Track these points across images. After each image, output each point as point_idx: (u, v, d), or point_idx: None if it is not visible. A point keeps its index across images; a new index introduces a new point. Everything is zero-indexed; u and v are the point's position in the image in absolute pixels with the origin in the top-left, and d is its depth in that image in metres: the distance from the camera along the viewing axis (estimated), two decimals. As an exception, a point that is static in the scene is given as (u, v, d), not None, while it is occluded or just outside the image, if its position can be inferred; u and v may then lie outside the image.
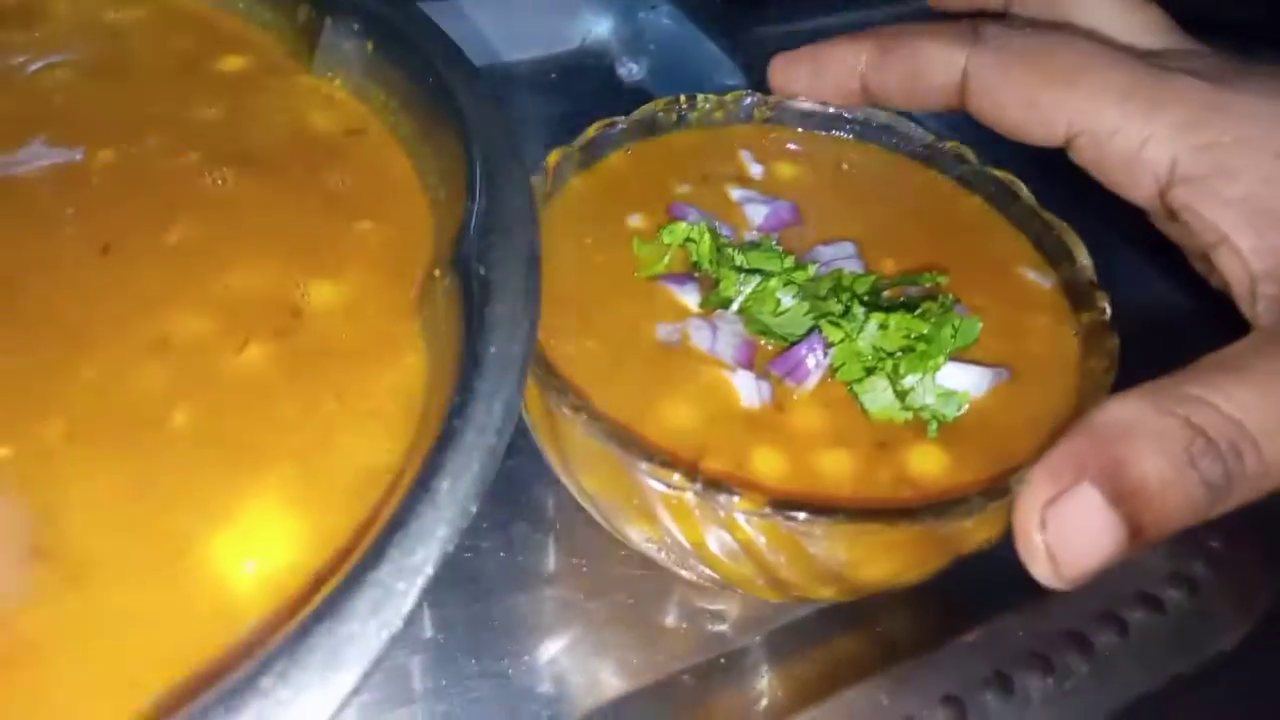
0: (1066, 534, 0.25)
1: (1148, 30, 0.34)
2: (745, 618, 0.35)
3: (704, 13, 0.59)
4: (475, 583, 0.35)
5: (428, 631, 0.34)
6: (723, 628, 0.35)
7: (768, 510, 0.25)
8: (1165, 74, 0.30)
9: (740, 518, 0.26)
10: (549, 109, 0.56)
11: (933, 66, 0.34)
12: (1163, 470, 0.25)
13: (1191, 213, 0.29)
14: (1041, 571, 0.25)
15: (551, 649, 0.34)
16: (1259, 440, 0.25)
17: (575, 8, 0.59)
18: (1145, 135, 0.30)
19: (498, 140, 0.29)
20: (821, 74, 0.37)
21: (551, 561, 0.36)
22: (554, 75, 0.58)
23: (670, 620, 0.35)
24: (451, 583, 0.35)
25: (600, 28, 0.59)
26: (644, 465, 0.26)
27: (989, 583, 0.33)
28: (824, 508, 0.25)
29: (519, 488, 0.37)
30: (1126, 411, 0.26)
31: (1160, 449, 0.25)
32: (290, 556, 0.23)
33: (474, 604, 0.35)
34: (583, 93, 0.57)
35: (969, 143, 0.38)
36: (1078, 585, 0.25)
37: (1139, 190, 0.31)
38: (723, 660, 0.34)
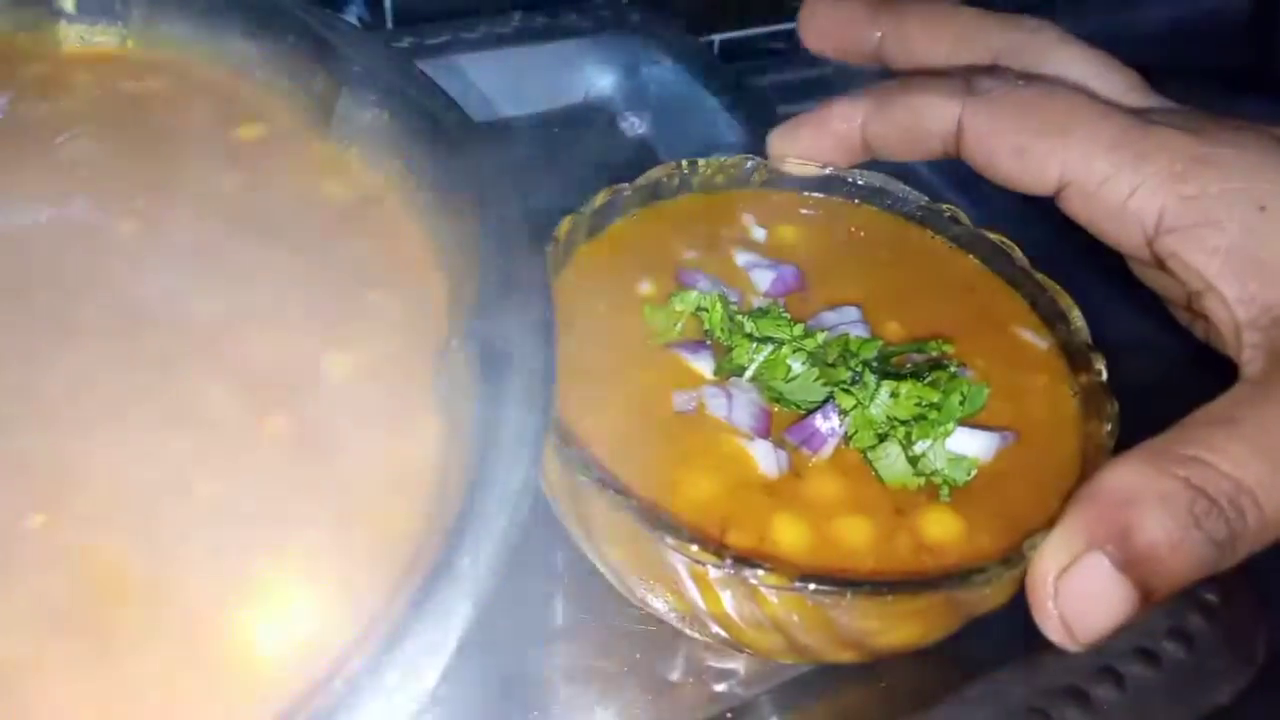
0: (1079, 601, 0.26)
1: (1129, 90, 0.35)
2: (752, 673, 0.35)
3: (704, 67, 0.61)
4: (485, 638, 0.36)
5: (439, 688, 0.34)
6: (730, 683, 0.35)
7: (796, 584, 0.26)
8: (1151, 127, 0.31)
9: (768, 591, 0.26)
10: (553, 162, 0.57)
11: (929, 117, 0.35)
12: (1169, 533, 0.26)
13: (1179, 261, 0.30)
14: (1057, 637, 0.27)
15: (560, 704, 0.34)
16: (1257, 494, 0.26)
17: (579, 63, 0.61)
18: (1134, 185, 0.31)
19: (511, 212, 0.30)
20: (822, 134, 0.38)
21: (560, 617, 0.37)
22: (557, 129, 0.59)
23: (677, 676, 0.35)
24: (462, 638, 0.35)
25: (603, 82, 0.61)
26: (672, 541, 0.27)
27: (991, 639, 0.34)
28: (850, 580, 0.26)
29: (528, 543, 0.38)
30: (1129, 476, 0.27)
31: (1164, 512, 0.26)
32: (314, 626, 0.24)
33: (483, 659, 0.35)
34: (586, 146, 0.58)
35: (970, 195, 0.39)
36: (1092, 647, 0.27)
37: (1128, 238, 0.32)
38: (729, 715, 0.34)
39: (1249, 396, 0.28)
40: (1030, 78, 0.35)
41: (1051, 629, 0.27)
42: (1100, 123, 0.32)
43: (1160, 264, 0.31)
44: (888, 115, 0.36)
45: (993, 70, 0.36)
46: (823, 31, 0.40)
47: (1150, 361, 0.51)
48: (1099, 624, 0.26)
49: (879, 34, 0.38)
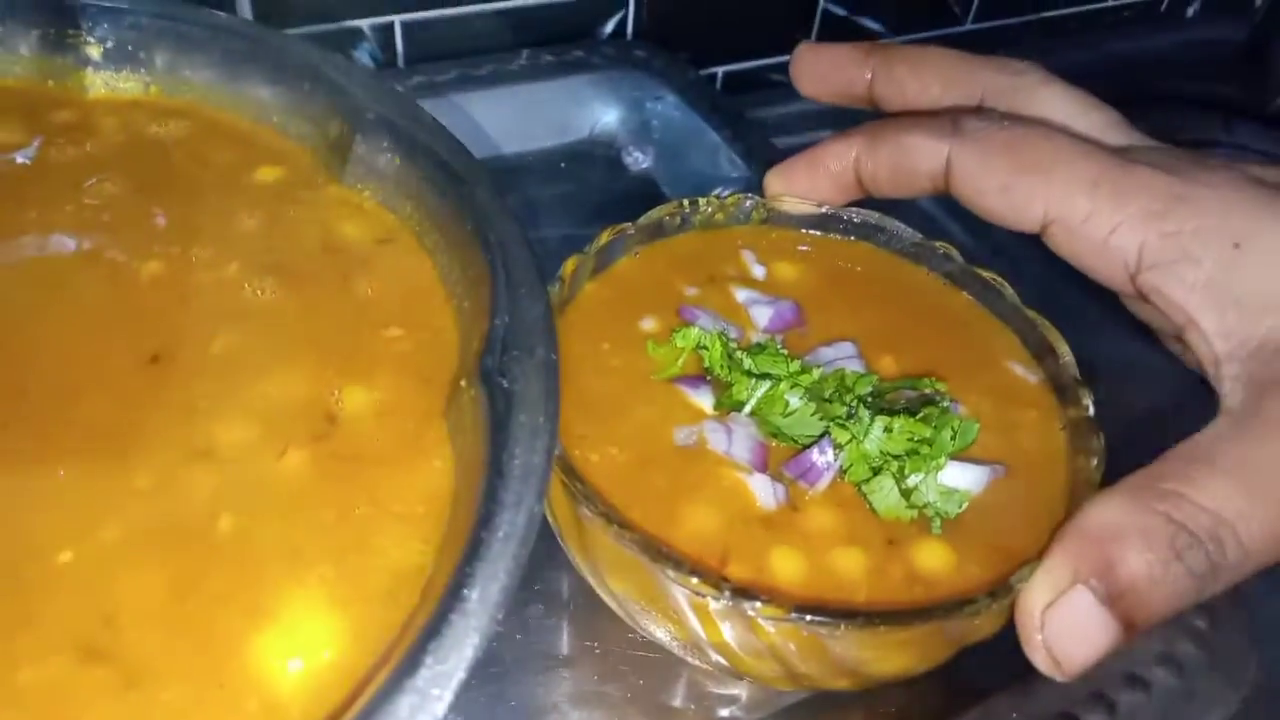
0: (1065, 633, 0.27)
1: (1109, 128, 0.36)
2: (751, 699, 0.36)
3: (706, 103, 0.62)
4: (493, 665, 0.37)
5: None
6: (730, 709, 0.36)
7: (792, 615, 0.27)
8: (1131, 166, 0.32)
9: (765, 622, 0.27)
10: (558, 195, 0.59)
11: (918, 156, 0.36)
12: (1150, 566, 0.27)
13: (1160, 296, 0.31)
14: (1044, 667, 0.28)
15: (566, 730, 0.35)
16: (1236, 527, 0.27)
17: (584, 99, 0.62)
18: (1115, 223, 0.32)
19: (519, 256, 0.31)
20: (816, 172, 0.39)
21: (565, 644, 0.38)
22: (563, 164, 0.60)
23: (679, 702, 0.36)
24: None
25: (608, 118, 0.62)
26: (673, 573, 0.28)
27: (985, 665, 0.35)
28: (844, 611, 0.27)
29: (534, 572, 0.39)
30: (1112, 512, 0.28)
31: (1146, 546, 0.27)
32: (331, 654, 0.25)
33: (492, 686, 0.36)
34: (591, 180, 0.60)
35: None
36: (1078, 676, 0.28)
37: (1111, 273, 0.33)
38: (730, 741, 0.35)
39: (1228, 431, 0.29)
40: (1015, 118, 0.36)
41: (1039, 660, 0.28)
42: (1082, 162, 0.33)
43: (1144, 298, 0.33)
44: (879, 154, 0.37)
45: (979, 111, 0.38)
46: (815, 76, 0.41)
47: (1147, 387, 0.52)
48: (1084, 655, 0.27)
49: (869, 77, 0.40)
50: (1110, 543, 0.27)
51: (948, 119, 0.36)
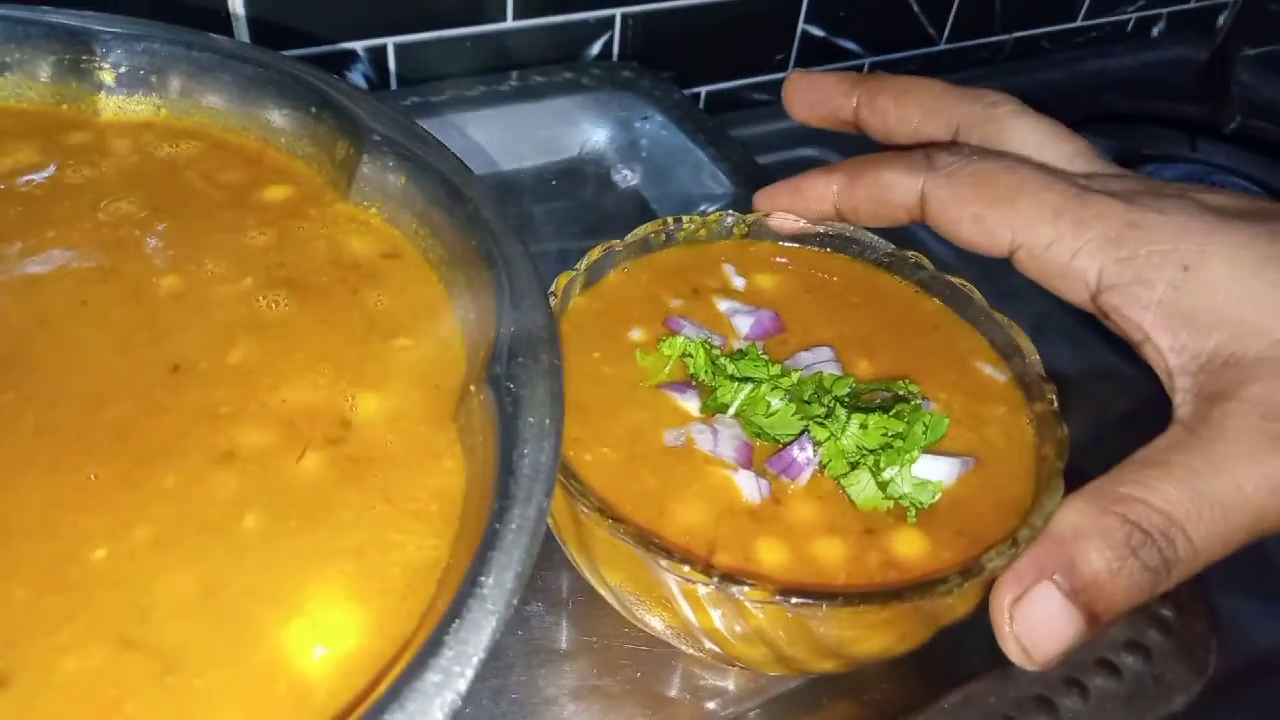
0: (1032, 625, 0.30)
1: (1075, 157, 0.38)
2: (743, 689, 0.38)
3: (692, 122, 0.65)
4: (496, 659, 0.39)
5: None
6: (722, 699, 0.38)
7: (776, 598, 0.29)
8: (1090, 195, 0.35)
9: (752, 605, 0.29)
10: (549, 211, 0.61)
11: (895, 191, 0.38)
12: (1109, 563, 0.29)
13: (1119, 314, 0.34)
14: (1015, 657, 0.30)
15: (567, 720, 0.37)
16: (1186, 528, 0.30)
17: (575, 119, 0.64)
18: (1075, 248, 0.34)
19: (522, 270, 0.33)
20: (800, 200, 0.42)
21: (565, 639, 0.40)
22: (554, 181, 0.63)
23: (674, 693, 0.38)
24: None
25: (597, 137, 0.65)
26: (664, 562, 0.30)
27: (964, 653, 0.37)
28: (825, 593, 0.29)
29: (534, 571, 0.40)
30: (1074, 515, 0.31)
31: (1105, 544, 0.29)
32: (354, 643, 0.27)
33: (494, 679, 0.38)
34: (581, 196, 0.62)
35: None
36: (1048, 666, 0.30)
37: (1074, 294, 0.35)
38: (723, 728, 0.37)
39: (1179, 439, 0.31)
40: (984, 152, 0.39)
41: (1011, 651, 0.30)
42: (1045, 193, 0.35)
43: (1104, 315, 0.35)
44: (857, 191, 0.40)
45: (951, 145, 0.40)
46: (805, 103, 0.43)
47: (1111, 389, 0.55)
48: (1051, 646, 0.30)
49: (855, 105, 0.42)
50: (1072, 543, 0.30)
51: (921, 155, 0.38)
